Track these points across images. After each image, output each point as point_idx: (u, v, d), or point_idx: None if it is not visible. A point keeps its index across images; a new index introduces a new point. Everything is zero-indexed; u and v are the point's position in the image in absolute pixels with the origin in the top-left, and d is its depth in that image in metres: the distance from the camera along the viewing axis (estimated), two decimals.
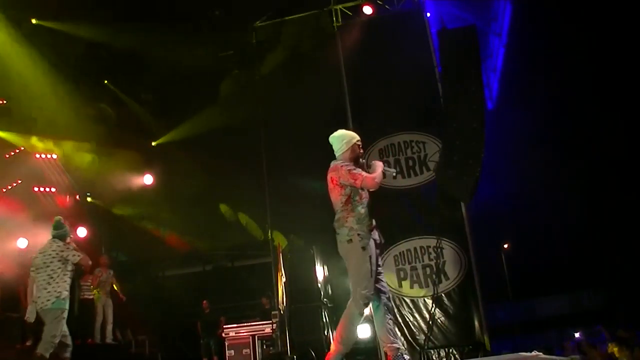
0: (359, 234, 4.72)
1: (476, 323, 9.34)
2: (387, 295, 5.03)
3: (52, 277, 6.32)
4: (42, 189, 12.90)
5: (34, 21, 11.05)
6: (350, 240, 4.73)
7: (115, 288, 10.98)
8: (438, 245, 9.73)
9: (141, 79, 12.95)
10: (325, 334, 10.64)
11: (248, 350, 10.60)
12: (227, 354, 10.63)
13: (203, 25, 11.97)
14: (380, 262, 4.97)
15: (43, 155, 12.89)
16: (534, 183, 14.45)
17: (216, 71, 12.76)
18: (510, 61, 13.19)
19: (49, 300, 6.21)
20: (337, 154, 5.07)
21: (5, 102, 11.88)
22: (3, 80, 11.13)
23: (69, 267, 6.39)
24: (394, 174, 5.24)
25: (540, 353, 5.81)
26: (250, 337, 10.64)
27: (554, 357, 5.67)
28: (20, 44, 10.95)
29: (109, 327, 10.63)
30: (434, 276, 9.62)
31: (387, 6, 11.32)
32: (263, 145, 12.10)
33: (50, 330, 6.16)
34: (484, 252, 10.63)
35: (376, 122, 10.69)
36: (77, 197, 13.60)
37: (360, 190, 4.89)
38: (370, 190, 4.96)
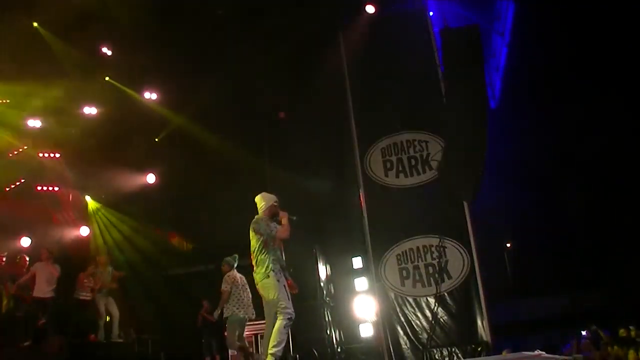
0: (273, 271, 6.00)
1: (479, 322, 9.35)
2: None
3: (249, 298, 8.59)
4: (44, 188, 12.92)
5: (35, 25, 11.09)
6: (267, 276, 5.97)
7: (118, 274, 10.92)
8: (441, 244, 9.74)
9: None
10: (328, 332, 10.65)
11: (251, 349, 10.59)
12: (229, 353, 10.62)
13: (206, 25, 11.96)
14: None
15: (46, 155, 12.91)
16: (536, 182, 14.42)
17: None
18: (513, 60, 13.17)
19: (253, 314, 8.62)
20: (259, 211, 6.31)
21: (8, 100, 11.91)
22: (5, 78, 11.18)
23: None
24: (294, 218, 6.33)
25: (543, 352, 5.82)
26: (253, 336, 10.63)
27: (556, 356, 5.68)
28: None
29: (116, 323, 10.59)
30: (436, 275, 9.63)
31: (390, 5, 11.30)
32: (265, 145, 12.12)
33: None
34: (487, 251, 10.60)
35: (379, 121, 10.71)
36: (80, 196, 13.63)
37: (274, 239, 6.16)
38: (284, 239, 6.22)
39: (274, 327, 5.89)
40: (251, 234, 6.20)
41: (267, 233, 6.10)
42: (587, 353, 9.68)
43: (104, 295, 10.59)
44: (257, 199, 6.40)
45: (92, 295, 10.52)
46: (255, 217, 6.27)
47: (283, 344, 5.85)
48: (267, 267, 6.01)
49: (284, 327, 5.84)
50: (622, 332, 10.07)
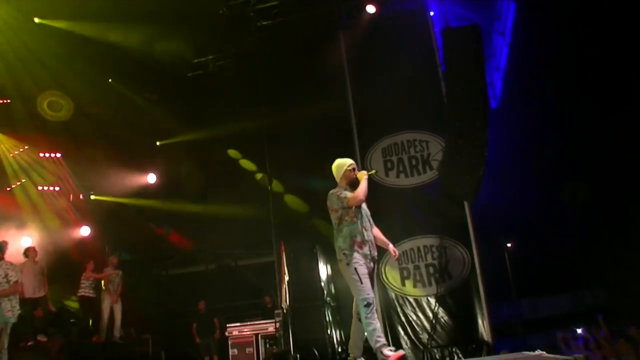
0: (344, 253, 5.28)
1: (479, 322, 9.35)
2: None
3: None
4: (44, 188, 12.92)
5: (37, 20, 11.07)
6: (340, 260, 5.31)
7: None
8: (441, 244, 9.73)
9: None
10: (329, 332, 10.63)
11: (251, 349, 10.59)
12: (230, 353, 10.61)
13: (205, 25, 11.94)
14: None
15: (47, 154, 12.92)
16: (537, 182, 14.42)
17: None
18: (514, 60, 13.16)
19: None
20: (337, 182, 5.63)
21: (9, 100, 11.91)
22: (8, 79, 11.18)
23: None
24: (374, 172, 5.88)
25: (544, 352, 5.80)
26: (254, 336, 10.63)
27: (557, 356, 5.66)
28: (25, 41, 11.00)
29: (117, 326, 10.60)
30: (437, 275, 9.63)
31: (390, 5, 11.30)
32: (266, 146, 12.11)
33: None
34: (487, 251, 10.61)
35: (379, 121, 10.71)
36: (81, 195, 13.62)
37: (349, 211, 5.40)
38: (357, 205, 5.44)
39: (358, 318, 5.31)
40: (330, 211, 5.48)
41: (340, 206, 5.37)
42: (589, 352, 9.67)
43: (112, 295, 10.57)
44: (332, 167, 5.67)
45: (94, 292, 10.54)
46: (329, 192, 5.53)
47: (376, 333, 5.22)
48: (338, 248, 5.34)
49: (366, 318, 5.17)
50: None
